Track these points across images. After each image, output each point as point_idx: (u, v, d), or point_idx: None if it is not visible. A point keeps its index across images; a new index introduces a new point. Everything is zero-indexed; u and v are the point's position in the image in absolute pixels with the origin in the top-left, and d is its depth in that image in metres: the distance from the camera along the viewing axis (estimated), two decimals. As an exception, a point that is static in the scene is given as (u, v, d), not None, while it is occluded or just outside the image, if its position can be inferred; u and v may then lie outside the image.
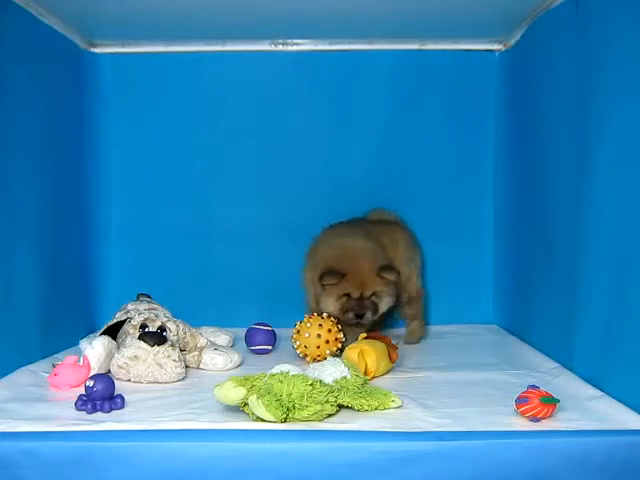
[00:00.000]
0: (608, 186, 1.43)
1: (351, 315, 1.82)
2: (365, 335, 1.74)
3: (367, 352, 1.61)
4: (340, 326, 1.81)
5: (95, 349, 1.62)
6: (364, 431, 1.24)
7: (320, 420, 1.30)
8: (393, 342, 1.75)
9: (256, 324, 1.94)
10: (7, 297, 1.59)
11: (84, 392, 1.38)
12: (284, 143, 2.26)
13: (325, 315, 1.82)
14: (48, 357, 1.73)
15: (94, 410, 1.34)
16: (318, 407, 1.29)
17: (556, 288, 1.72)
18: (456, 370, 1.69)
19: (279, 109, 2.25)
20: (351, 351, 1.62)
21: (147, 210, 2.25)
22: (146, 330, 1.67)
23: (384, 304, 1.86)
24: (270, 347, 1.92)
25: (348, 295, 1.83)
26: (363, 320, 1.83)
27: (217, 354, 1.74)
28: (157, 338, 1.62)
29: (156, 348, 1.60)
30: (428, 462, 1.14)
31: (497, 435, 1.19)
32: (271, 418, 1.25)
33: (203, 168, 2.26)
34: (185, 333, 1.75)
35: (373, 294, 1.84)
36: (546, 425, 1.26)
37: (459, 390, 1.52)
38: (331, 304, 1.83)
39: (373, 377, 1.61)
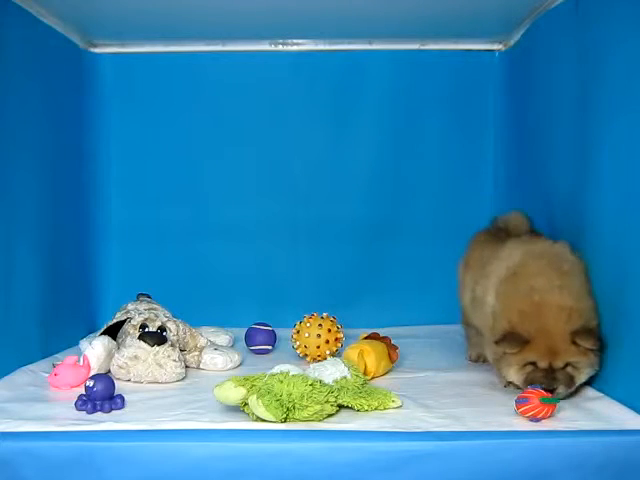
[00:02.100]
0: (608, 186, 1.43)
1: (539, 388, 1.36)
2: (365, 335, 1.74)
3: (367, 352, 1.61)
4: (340, 326, 1.81)
5: (95, 349, 1.62)
6: (364, 431, 1.24)
7: (320, 420, 1.30)
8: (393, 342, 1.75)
9: (256, 324, 1.94)
10: (7, 297, 1.59)
11: (84, 392, 1.38)
12: (284, 143, 2.26)
13: (325, 315, 1.82)
14: (48, 357, 1.74)
15: (94, 410, 1.34)
16: (318, 407, 1.29)
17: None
18: (456, 370, 1.69)
19: (279, 109, 2.25)
20: (351, 351, 1.62)
21: (147, 210, 2.25)
22: (146, 330, 1.67)
23: (583, 376, 1.41)
24: (270, 347, 1.92)
25: (534, 364, 1.41)
26: (555, 395, 1.37)
27: (217, 354, 1.74)
28: (157, 338, 1.62)
29: (156, 348, 1.60)
30: (428, 462, 1.14)
31: (497, 435, 1.19)
32: (271, 418, 1.25)
33: (203, 168, 2.26)
34: (185, 333, 1.75)
35: (567, 365, 1.40)
36: (546, 425, 1.26)
37: (459, 390, 1.52)
38: (513, 373, 1.44)
39: (373, 377, 1.61)
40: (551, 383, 1.37)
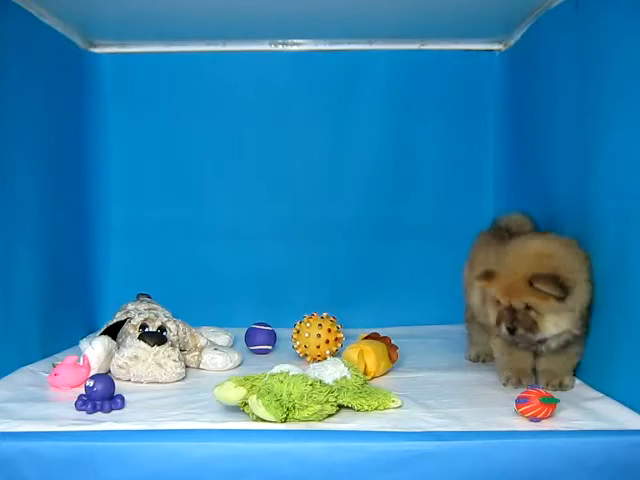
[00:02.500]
0: (609, 186, 1.43)
1: (503, 328, 1.47)
2: (365, 335, 1.74)
3: (367, 352, 1.61)
4: (340, 325, 1.81)
5: (95, 349, 1.62)
6: (364, 431, 1.24)
7: (320, 420, 1.30)
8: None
9: (256, 324, 1.94)
10: (7, 297, 1.59)
11: (84, 392, 1.38)
12: (284, 143, 2.26)
13: (325, 315, 1.82)
14: (48, 357, 1.74)
15: (94, 410, 1.34)
16: (318, 407, 1.29)
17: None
18: (456, 370, 1.69)
19: (279, 109, 2.25)
20: (351, 351, 1.62)
21: (147, 210, 2.25)
22: (146, 330, 1.67)
23: (548, 324, 1.44)
24: (270, 347, 1.92)
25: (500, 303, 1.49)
26: (516, 337, 1.47)
27: (217, 354, 1.74)
28: (157, 338, 1.62)
29: (156, 348, 1.60)
30: (428, 462, 1.14)
31: (497, 435, 1.19)
32: (271, 418, 1.25)
33: (203, 168, 2.26)
34: (185, 333, 1.75)
35: (530, 308, 1.44)
36: (546, 425, 1.26)
37: (459, 390, 1.52)
38: (491, 313, 1.53)
39: (373, 377, 1.61)
40: (511, 322, 1.44)
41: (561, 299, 1.41)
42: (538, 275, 1.41)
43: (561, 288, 1.41)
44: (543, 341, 1.48)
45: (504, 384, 1.52)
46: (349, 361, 1.53)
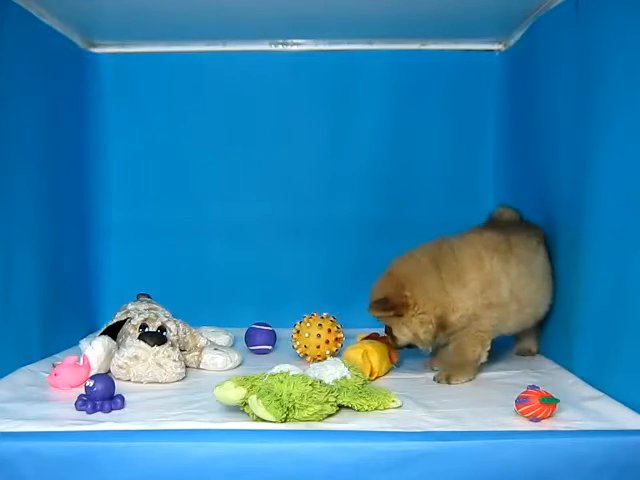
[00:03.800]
0: (609, 186, 1.43)
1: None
2: (364, 336, 1.74)
3: (370, 352, 1.61)
4: (340, 325, 1.82)
5: (95, 349, 1.62)
6: (364, 431, 1.24)
7: (320, 420, 1.30)
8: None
9: (256, 324, 1.94)
10: (7, 297, 1.59)
11: (84, 392, 1.38)
12: (284, 143, 2.26)
13: (325, 315, 1.82)
14: (48, 357, 1.73)
15: (94, 410, 1.34)
16: (318, 407, 1.29)
17: (556, 288, 1.72)
18: (456, 370, 1.69)
19: (279, 109, 2.25)
20: (354, 352, 1.61)
21: (147, 210, 2.25)
22: (146, 330, 1.67)
23: (398, 334, 1.63)
24: (270, 347, 1.92)
25: None
26: (395, 342, 1.66)
27: (217, 354, 1.74)
28: (157, 338, 1.62)
29: (156, 348, 1.60)
30: (428, 462, 1.14)
31: (497, 435, 1.19)
32: (271, 418, 1.25)
33: (203, 168, 2.26)
34: (185, 333, 1.75)
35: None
36: (546, 425, 1.26)
37: (459, 390, 1.52)
38: None
39: (377, 377, 1.61)
40: (384, 331, 1.67)
41: (399, 315, 1.59)
42: (372, 302, 1.62)
43: (393, 308, 1.59)
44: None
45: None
46: (352, 362, 1.53)
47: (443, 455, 1.14)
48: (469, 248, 1.65)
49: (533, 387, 1.30)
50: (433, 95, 2.25)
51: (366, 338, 1.72)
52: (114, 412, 1.35)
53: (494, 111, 2.25)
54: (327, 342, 1.77)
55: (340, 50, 2.22)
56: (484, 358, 1.63)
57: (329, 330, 1.78)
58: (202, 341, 1.77)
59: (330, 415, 1.32)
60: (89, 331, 2.03)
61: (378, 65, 2.23)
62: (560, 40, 1.70)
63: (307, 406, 1.29)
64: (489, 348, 1.63)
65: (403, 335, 1.62)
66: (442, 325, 1.60)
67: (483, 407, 1.38)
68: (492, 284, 1.61)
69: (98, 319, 2.12)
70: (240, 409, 1.31)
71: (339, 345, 1.80)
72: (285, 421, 1.27)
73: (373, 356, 1.61)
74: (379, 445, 1.15)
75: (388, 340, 1.68)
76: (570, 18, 1.62)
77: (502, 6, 1.85)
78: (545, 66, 1.82)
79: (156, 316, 1.72)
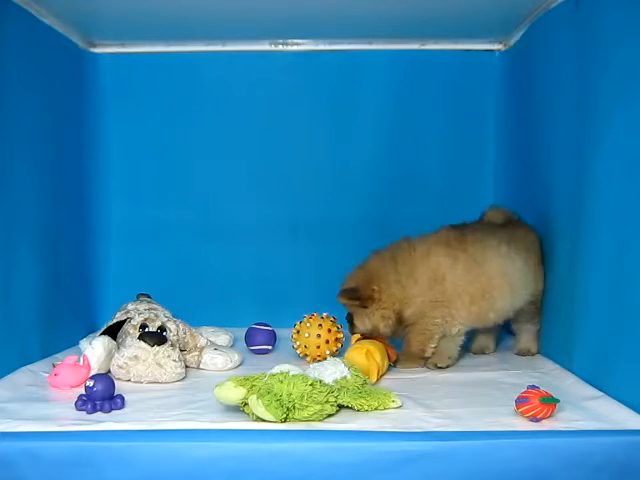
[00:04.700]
0: (608, 186, 1.43)
1: None
2: (359, 337, 1.73)
3: (373, 352, 1.61)
4: (340, 326, 1.82)
5: (95, 349, 1.62)
6: (364, 431, 1.24)
7: (320, 420, 1.30)
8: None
9: (256, 324, 1.94)
10: (7, 297, 1.59)
11: (84, 392, 1.38)
12: (284, 143, 2.26)
13: (325, 315, 1.82)
14: (48, 357, 1.74)
15: (94, 410, 1.34)
16: (318, 407, 1.29)
17: (556, 288, 1.72)
18: (456, 370, 1.69)
19: (279, 109, 2.25)
20: (356, 352, 1.61)
21: (147, 210, 2.25)
22: (146, 330, 1.67)
23: (357, 322, 1.75)
24: (270, 347, 1.92)
25: None
26: (354, 329, 1.77)
27: (217, 354, 1.74)
28: (157, 338, 1.62)
29: (156, 348, 1.60)
30: (428, 462, 1.13)
31: (497, 435, 1.19)
32: (271, 418, 1.25)
33: (203, 168, 2.26)
34: (185, 333, 1.75)
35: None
36: (546, 425, 1.26)
37: (459, 390, 1.52)
38: None
39: (380, 377, 1.61)
40: (346, 317, 1.78)
41: (364, 306, 1.71)
42: (342, 289, 1.74)
43: (360, 299, 1.70)
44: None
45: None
46: (356, 363, 1.52)
47: (443, 455, 1.14)
48: (422, 245, 1.74)
49: (533, 387, 1.30)
50: (433, 95, 2.25)
51: (361, 339, 1.72)
52: (114, 412, 1.35)
53: (494, 111, 2.25)
54: (327, 342, 1.77)
55: (340, 50, 2.22)
56: (429, 352, 1.71)
57: (329, 330, 1.78)
58: (202, 341, 1.77)
59: (330, 415, 1.32)
60: (89, 331, 2.03)
61: (378, 65, 2.23)
62: (560, 40, 1.70)
63: (307, 406, 1.29)
64: (435, 344, 1.71)
65: (363, 325, 1.73)
66: (400, 320, 1.71)
67: (483, 407, 1.37)
68: (437, 280, 1.69)
69: (98, 319, 2.12)
70: (240, 409, 1.31)
71: (339, 345, 1.79)
72: (285, 421, 1.27)
73: (376, 355, 1.61)
74: (379, 445, 1.15)
75: (383, 339, 1.73)
76: (570, 18, 1.62)
77: (502, 6, 1.85)
78: (545, 66, 1.82)
79: (156, 316, 1.72)
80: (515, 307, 1.74)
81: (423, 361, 1.72)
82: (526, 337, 1.83)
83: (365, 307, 1.71)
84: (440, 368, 1.69)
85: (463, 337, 1.75)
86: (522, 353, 1.83)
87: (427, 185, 2.26)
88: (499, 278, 1.70)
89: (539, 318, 1.80)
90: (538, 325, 1.81)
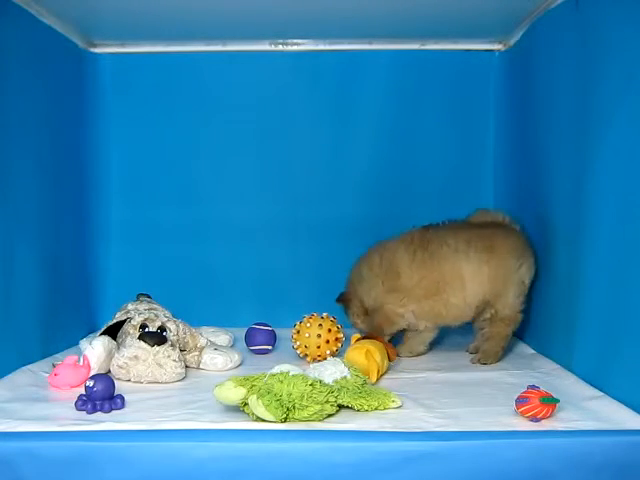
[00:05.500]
0: (609, 187, 1.42)
1: None
2: (359, 336, 1.73)
3: (373, 352, 1.61)
4: (340, 326, 1.82)
5: (95, 349, 1.62)
6: (364, 431, 1.24)
7: (320, 420, 1.30)
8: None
9: (256, 324, 1.94)
10: (7, 297, 1.59)
11: (84, 392, 1.38)
12: (284, 143, 2.26)
13: (325, 315, 1.82)
14: (48, 357, 1.74)
15: (94, 410, 1.34)
16: (318, 407, 1.29)
17: (556, 288, 1.72)
18: (456, 370, 1.69)
19: (279, 109, 2.25)
20: (356, 352, 1.60)
21: (147, 210, 2.25)
22: (146, 330, 1.67)
23: (349, 319, 1.95)
24: (270, 347, 1.92)
25: None
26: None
27: (217, 354, 1.74)
28: (157, 338, 1.62)
29: (156, 348, 1.60)
30: (428, 462, 1.14)
31: (497, 435, 1.19)
32: (271, 418, 1.25)
33: (203, 168, 2.26)
34: (185, 333, 1.75)
35: None
36: (546, 425, 1.26)
37: (459, 390, 1.52)
38: None
39: (380, 377, 1.61)
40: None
41: (346, 307, 1.93)
42: (340, 294, 1.95)
43: (342, 301, 1.93)
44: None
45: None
46: (356, 363, 1.52)
47: (443, 455, 1.14)
48: (389, 243, 1.87)
49: (533, 387, 1.30)
50: (433, 95, 2.25)
51: (361, 339, 1.72)
52: (114, 412, 1.35)
53: (494, 111, 2.25)
54: (327, 342, 1.77)
55: (340, 50, 2.22)
56: (387, 335, 1.84)
57: (329, 330, 1.78)
58: (202, 341, 1.77)
59: (330, 415, 1.32)
60: (89, 331, 2.03)
61: (378, 65, 2.23)
62: (560, 40, 1.70)
63: (307, 406, 1.29)
64: (393, 330, 1.85)
65: (350, 321, 1.94)
66: (365, 311, 1.89)
67: (483, 407, 1.37)
68: (394, 272, 1.81)
69: (98, 319, 2.12)
70: (240, 409, 1.31)
71: (339, 345, 1.79)
72: (285, 421, 1.27)
73: (376, 355, 1.61)
74: (379, 445, 1.15)
75: (382, 339, 1.75)
76: (570, 18, 1.62)
77: (502, 6, 1.85)
78: (545, 66, 1.82)
79: (156, 316, 1.72)
80: (469, 304, 1.77)
81: (387, 337, 1.84)
82: (481, 338, 1.83)
83: (348, 308, 1.93)
84: (399, 357, 1.81)
85: (431, 334, 1.86)
86: (472, 352, 1.87)
87: (427, 185, 2.26)
88: (452, 275, 1.76)
89: (501, 329, 1.79)
90: (501, 334, 1.79)
